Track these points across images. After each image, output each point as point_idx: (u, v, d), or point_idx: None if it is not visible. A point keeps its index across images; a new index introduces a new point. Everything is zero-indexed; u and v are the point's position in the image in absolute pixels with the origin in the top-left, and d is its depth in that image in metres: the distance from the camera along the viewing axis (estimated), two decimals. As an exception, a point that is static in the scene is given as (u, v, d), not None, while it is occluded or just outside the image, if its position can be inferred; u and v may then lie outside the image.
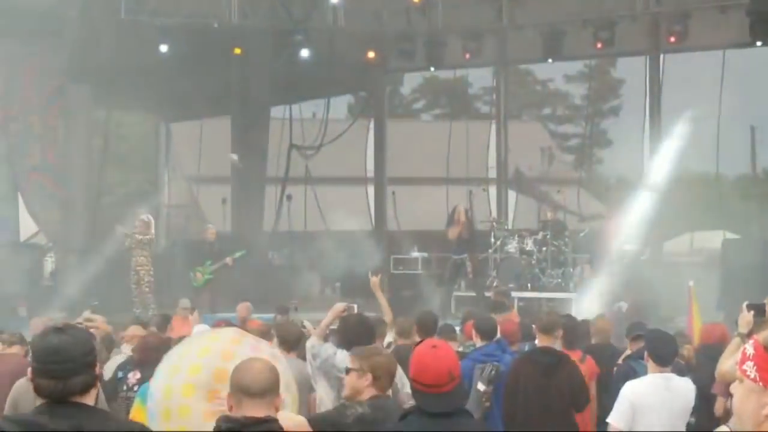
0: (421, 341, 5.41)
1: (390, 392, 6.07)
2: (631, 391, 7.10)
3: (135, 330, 9.93)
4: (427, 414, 4.86)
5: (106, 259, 21.20)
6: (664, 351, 7.20)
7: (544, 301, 19.13)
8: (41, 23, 21.33)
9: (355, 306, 8.00)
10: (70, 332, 3.94)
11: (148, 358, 7.95)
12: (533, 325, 9.81)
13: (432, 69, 24.27)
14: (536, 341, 9.02)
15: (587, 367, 9.16)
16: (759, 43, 19.51)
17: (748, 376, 2.72)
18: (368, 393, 5.77)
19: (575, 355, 9.06)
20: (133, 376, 8.23)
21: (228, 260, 20.29)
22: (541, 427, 8.21)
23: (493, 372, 8.52)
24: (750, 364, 2.72)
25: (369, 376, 5.80)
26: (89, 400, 3.90)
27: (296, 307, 17.83)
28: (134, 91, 23.25)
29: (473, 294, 19.60)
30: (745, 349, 2.78)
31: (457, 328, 10.89)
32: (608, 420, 7.10)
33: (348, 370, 5.96)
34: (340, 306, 7.86)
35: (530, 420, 8.26)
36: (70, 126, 22.72)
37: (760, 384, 2.68)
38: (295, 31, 22.24)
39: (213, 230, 21.23)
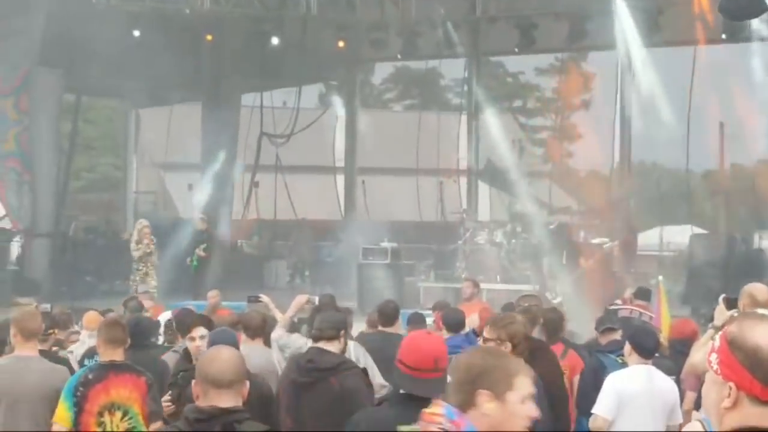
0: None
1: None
2: (615, 381, 7.10)
3: (92, 316, 9.79)
4: (406, 399, 4.77)
5: (72, 244, 21.04)
6: (647, 343, 7.22)
7: (512, 293, 19.14)
8: (12, 7, 21.10)
9: (316, 298, 8.04)
10: None
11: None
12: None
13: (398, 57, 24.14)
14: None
15: (569, 361, 8.55)
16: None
17: (712, 368, 2.79)
18: None
19: (557, 349, 8.43)
20: None
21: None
22: None
23: (458, 364, 8.45)
24: (714, 356, 2.79)
25: (508, 345, 6.05)
26: None
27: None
28: (104, 76, 23.07)
29: (441, 285, 19.63)
30: (714, 340, 2.85)
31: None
32: (593, 411, 7.05)
33: (485, 340, 6.16)
34: (302, 298, 7.91)
35: None
36: (39, 110, 22.45)
37: (720, 377, 2.75)
38: (267, 19, 22.15)
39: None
